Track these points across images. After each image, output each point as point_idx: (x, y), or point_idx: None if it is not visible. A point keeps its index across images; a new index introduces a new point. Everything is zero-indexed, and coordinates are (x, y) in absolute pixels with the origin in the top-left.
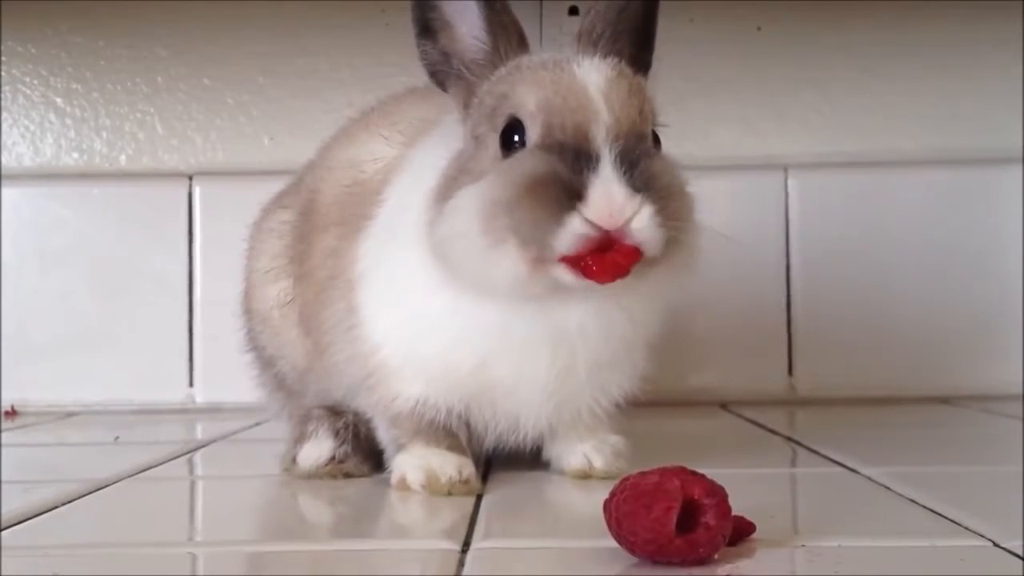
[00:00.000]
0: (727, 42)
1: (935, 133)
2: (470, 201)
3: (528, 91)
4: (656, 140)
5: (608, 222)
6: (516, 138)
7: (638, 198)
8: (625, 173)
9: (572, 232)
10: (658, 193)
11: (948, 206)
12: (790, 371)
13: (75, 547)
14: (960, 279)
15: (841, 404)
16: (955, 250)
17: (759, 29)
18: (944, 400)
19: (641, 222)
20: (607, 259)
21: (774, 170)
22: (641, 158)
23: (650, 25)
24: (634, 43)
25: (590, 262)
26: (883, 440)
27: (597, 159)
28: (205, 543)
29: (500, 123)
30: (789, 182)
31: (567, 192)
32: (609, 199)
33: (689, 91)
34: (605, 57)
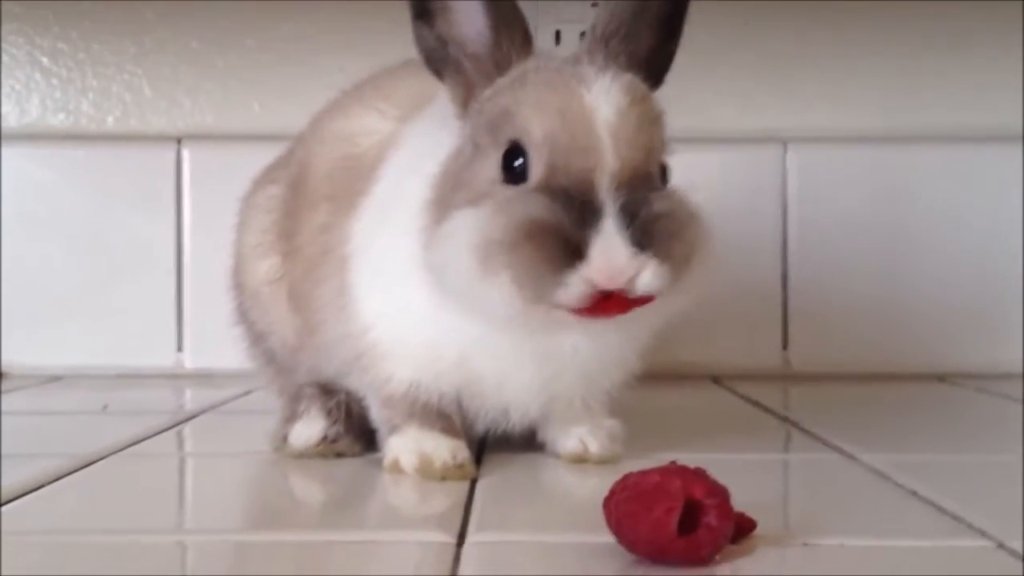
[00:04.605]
0: (726, 14)
1: (935, 109)
2: (465, 231)
3: (533, 117)
4: (664, 171)
5: (608, 283)
6: (518, 163)
7: (640, 257)
8: (628, 228)
9: (572, 291)
10: (661, 239)
11: (948, 183)
12: (784, 345)
13: (57, 533)
14: (959, 255)
15: (835, 380)
16: (954, 226)
17: (759, 1)
18: (940, 378)
19: (643, 280)
20: (600, 305)
21: (773, 144)
22: (642, 206)
23: (678, 17)
24: (656, 35)
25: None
26: (880, 421)
27: (599, 213)
28: (194, 531)
29: (502, 143)
30: (788, 156)
31: (567, 246)
32: (609, 260)
33: (687, 63)
34: (617, 63)
